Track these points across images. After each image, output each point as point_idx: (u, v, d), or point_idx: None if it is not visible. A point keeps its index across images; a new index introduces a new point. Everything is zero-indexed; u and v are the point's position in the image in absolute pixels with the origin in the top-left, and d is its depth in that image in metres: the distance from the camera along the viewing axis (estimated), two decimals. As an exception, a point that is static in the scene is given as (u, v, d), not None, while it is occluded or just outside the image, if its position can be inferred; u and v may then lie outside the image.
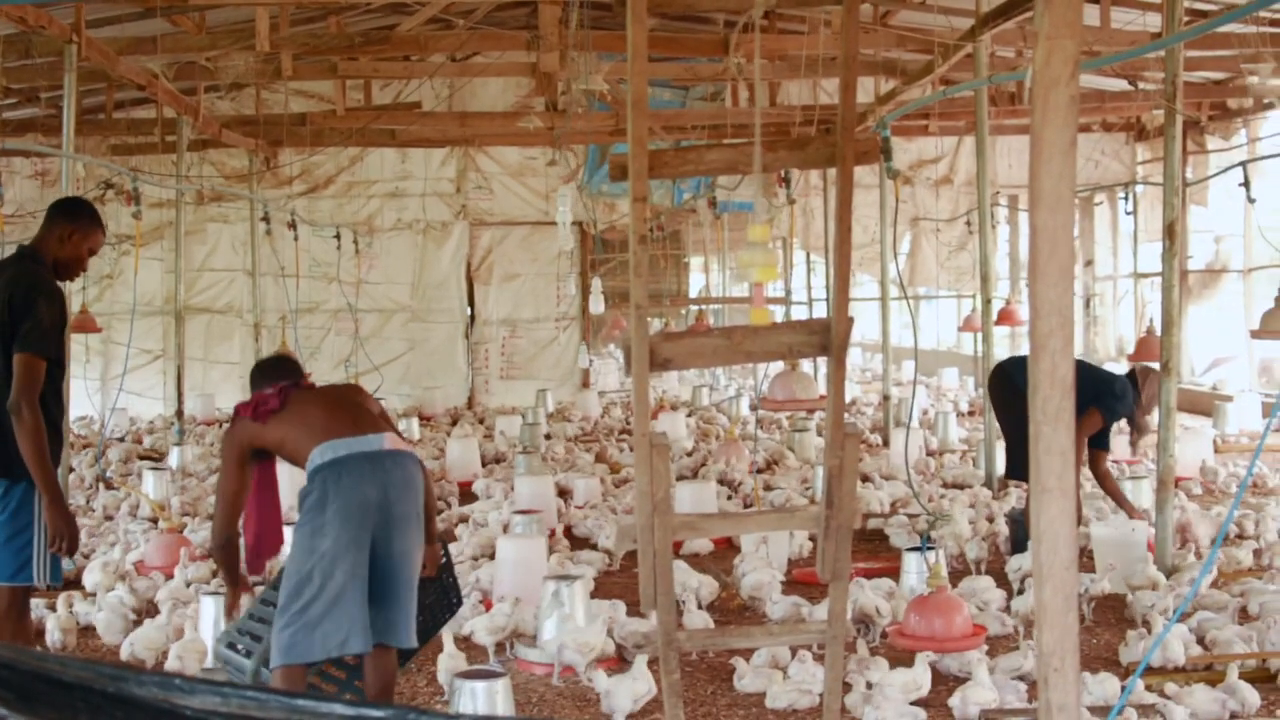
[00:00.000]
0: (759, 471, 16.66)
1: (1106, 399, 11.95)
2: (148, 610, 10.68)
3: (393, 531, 7.02)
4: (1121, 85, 22.46)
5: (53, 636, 9.94)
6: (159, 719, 4.09)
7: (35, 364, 7.50)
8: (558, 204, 16.74)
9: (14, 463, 7.44)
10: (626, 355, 5.66)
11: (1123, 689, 8.09)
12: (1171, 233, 11.35)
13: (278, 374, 7.59)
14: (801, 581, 11.55)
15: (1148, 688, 8.21)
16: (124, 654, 9.43)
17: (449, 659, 8.79)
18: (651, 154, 5.72)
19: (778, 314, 29.49)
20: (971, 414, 23.33)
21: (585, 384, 26.10)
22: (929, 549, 10.59)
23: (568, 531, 13.68)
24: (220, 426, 21.88)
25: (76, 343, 15.75)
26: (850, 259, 5.86)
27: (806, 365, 17.02)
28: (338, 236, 23.71)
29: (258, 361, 8.18)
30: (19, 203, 22.10)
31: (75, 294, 16.83)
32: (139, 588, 11.09)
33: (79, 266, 8.10)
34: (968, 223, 23.69)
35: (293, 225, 21.58)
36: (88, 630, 10.44)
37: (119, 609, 10.34)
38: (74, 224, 7.96)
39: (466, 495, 15.83)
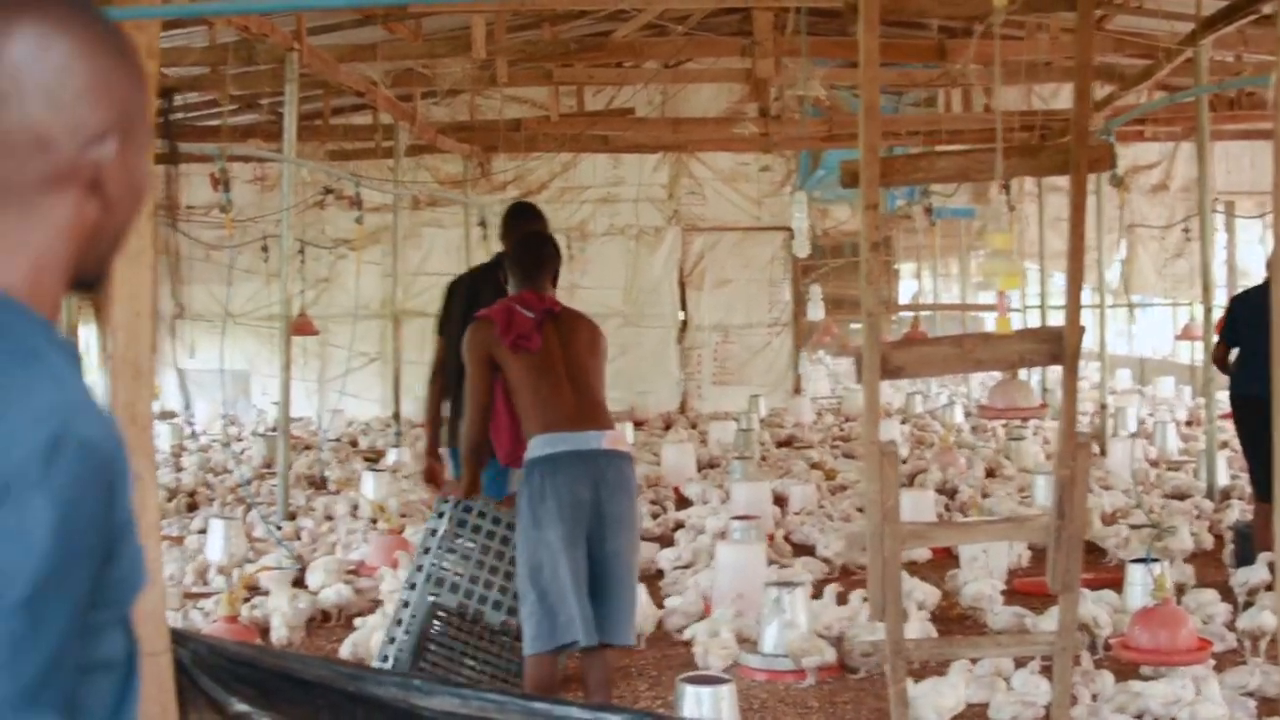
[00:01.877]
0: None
1: None
2: (370, 610, 10.79)
3: (605, 531, 7.15)
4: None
5: (279, 633, 10.09)
6: (398, 719, 4.17)
7: None
8: (793, 210, 16.55)
9: None
10: (857, 362, 5.64)
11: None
12: None
13: (528, 266, 7.80)
14: (1021, 592, 11.38)
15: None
16: (343, 653, 9.53)
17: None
18: (883, 161, 5.71)
19: (988, 321, 29.21)
20: (1190, 424, 22.89)
21: (797, 390, 26.00)
22: (1153, 560, 10.41)
23: (786, 538, 13.63)
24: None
25: (294, 345, 15.99)
26: (1083, 266, 5.81)
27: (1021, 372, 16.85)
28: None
29: (524, 238, 8.25)
30: (239, 207, 22.46)
31: (295, 298, 17.10)
32: (363, 587, 11.26)
33: None
34: (1185, 229, 23.26)
35: (509, 229, 21.72)
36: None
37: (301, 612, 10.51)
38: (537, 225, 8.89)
39: (680, 500, 15.82)
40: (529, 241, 8.11)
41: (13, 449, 1.82)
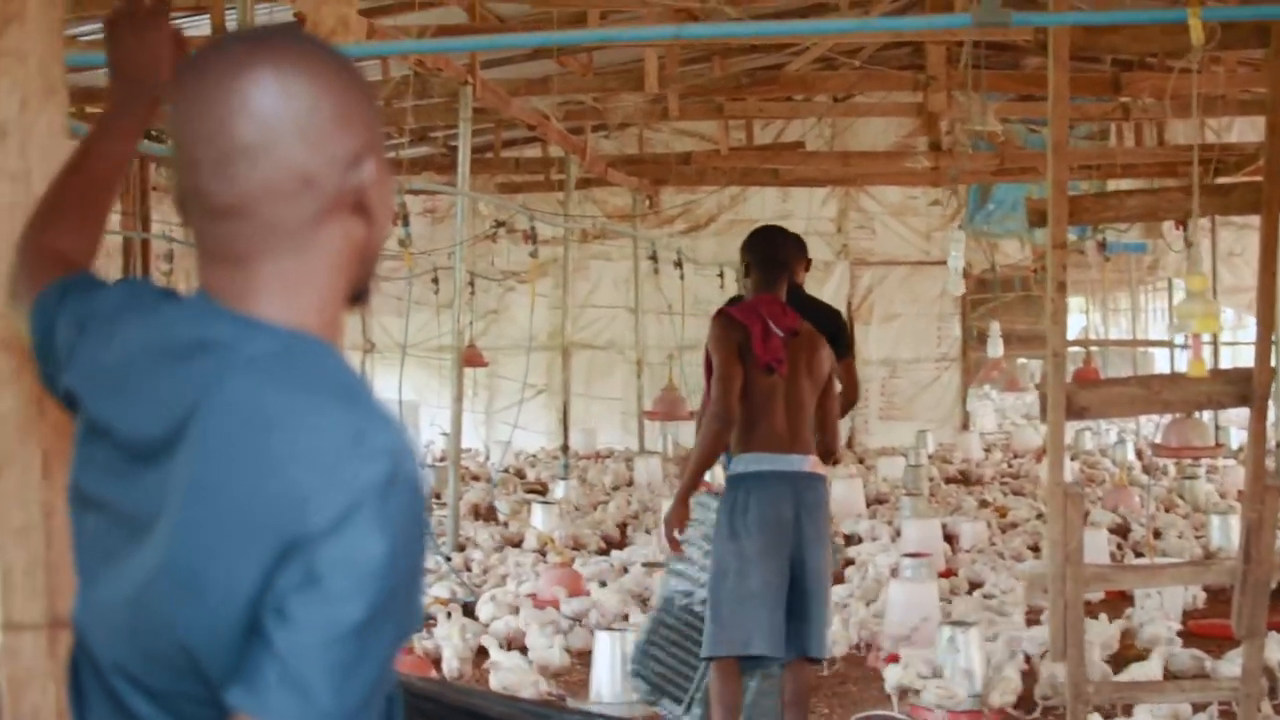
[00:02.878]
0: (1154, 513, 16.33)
1: None
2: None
3: (805, 550, 7.25)
4: None
5: (450, 665, 10.14)
6: (580, 755, 4.24)
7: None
8: (950, 248, 16.36)
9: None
10: (1042, 401, 5.59)
11: None
12: None
13: (768, 266, 7.68)
14: (1198, 634, 11.20)
15: None
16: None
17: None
18: (1071, 200, 5.65)
19: (1160, 360, 28.86)
20: (1365, 463, 22.45)
21: (965, 425, 25.73)
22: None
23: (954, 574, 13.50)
24: (600, 461, 22.12)
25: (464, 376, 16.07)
26: (1275, 306, 5.72)
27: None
28: (721, 275, 23.79)
29: (764, 233, 8.05)
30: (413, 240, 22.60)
31: (464, 329, 17.22)
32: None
33: None
34: (1366, 265, 22.78)
35: (679, 264, 21.64)
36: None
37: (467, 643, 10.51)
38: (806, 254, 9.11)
39: (843, 538, 15.66)
40: (770, 240, 7.91)
41: (350, 485, 1.91)
